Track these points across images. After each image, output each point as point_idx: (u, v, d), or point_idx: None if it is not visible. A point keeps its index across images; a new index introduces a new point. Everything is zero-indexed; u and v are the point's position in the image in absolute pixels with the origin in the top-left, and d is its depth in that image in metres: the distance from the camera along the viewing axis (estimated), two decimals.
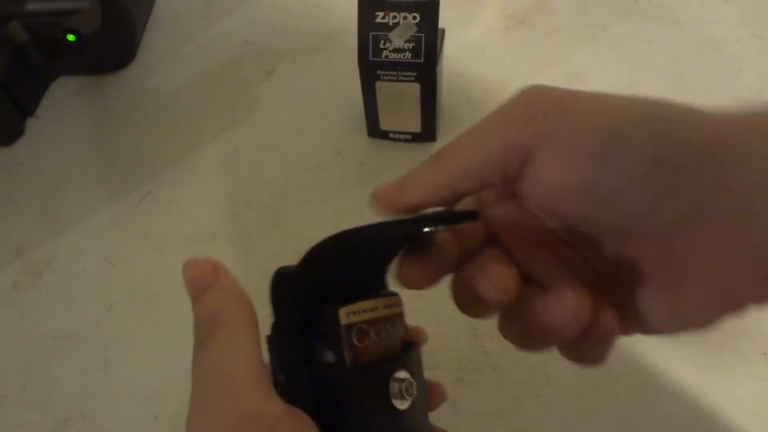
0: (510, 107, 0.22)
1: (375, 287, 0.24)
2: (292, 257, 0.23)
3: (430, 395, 0.24)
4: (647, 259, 0.21)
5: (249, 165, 0.51)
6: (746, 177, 0.18)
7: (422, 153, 0.50)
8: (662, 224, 0.19)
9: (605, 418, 0.37)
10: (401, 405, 0.22)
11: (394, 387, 0.22)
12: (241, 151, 0.52)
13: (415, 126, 0.49)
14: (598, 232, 0.23)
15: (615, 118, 0.22)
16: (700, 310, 0.20)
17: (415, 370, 0.23)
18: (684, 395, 0.38)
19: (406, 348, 0.23)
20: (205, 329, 0.20)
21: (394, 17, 0.43)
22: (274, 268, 0.22)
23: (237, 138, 0.53)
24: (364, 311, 0.22)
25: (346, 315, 0.22)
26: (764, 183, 0.18)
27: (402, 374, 0.22)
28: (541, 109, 0.21)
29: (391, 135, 0.50)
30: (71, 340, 0.44)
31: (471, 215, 0.22)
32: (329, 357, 0.21)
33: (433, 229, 0.22)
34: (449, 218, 0.22)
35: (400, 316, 0.24)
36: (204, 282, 0.21)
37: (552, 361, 0.39)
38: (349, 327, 0.22)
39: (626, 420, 0.37)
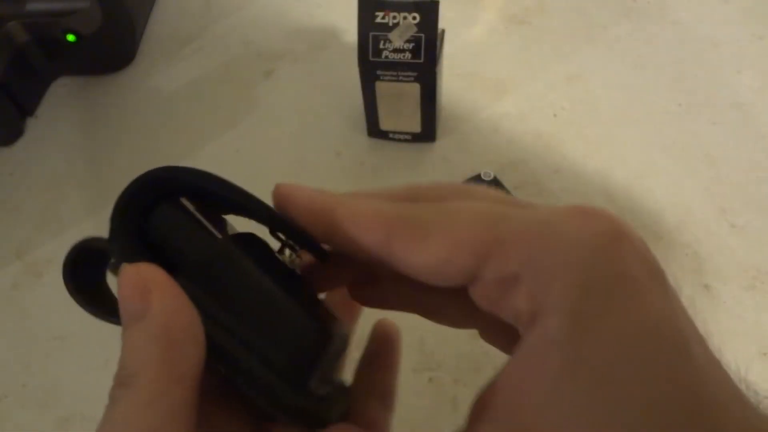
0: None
1: None
2: None
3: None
4: None
5: (249, 165, 0.51)
6: None
7: (422, 153, 0.50)
8: None
9: None
10: (295, 266, 0.20)
11: (285, 256, 0.20)
12: (241, 151, 0.52)
13: (415, 126, 0.49)
14: None
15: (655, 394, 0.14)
16: None
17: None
18: None
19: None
20: (116, 387, 0.16)
21: (394, 17, 0.43)
22: None
23: (237, 138, 0.53)
24: (193, 204, 0.20)
25: (188, 202, 0.19)
26: None
27: (284, 248, 0.20)
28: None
29: (391, 135, 0.50)
30: (71, 340, 0.44)
31: (324, 255, 0.20)
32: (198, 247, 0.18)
33: (283, 240, 0.20)
34: (304, 243, 0.19)
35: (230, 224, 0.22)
36: (130, 311, 0.16)
37: None
38: (199, 211, 0.20)
39: None
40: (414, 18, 0.43)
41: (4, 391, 0.42)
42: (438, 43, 0.44)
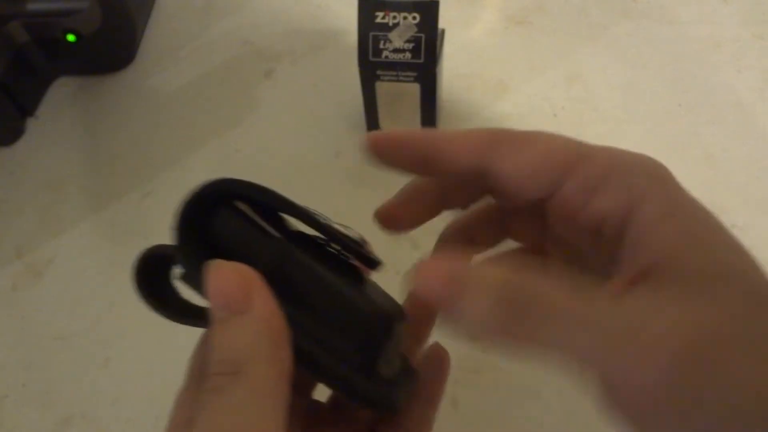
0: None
1: None
2: None
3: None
4: None
5: (249, 165, 0.51)
6: None
7: None
8: None
9: (605, 418, 0.37)
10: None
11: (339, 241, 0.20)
12: (241, 151, 0.52)
13: (415, 126, 0.49)
14: None
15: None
16: None
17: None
18: None
19: None
20: (221, 376, 0.16)
21: (394, 17, 0.43)
22: None
23: (237, 138, 0.53)
24: (254, 217, 0.21)
25: (241, 205, 0.20)
26: None
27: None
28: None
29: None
30: (71, 340, 0.44)
31: (371, 262, 0.21)
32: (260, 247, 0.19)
33: (337, 250, 0.20)
34: (356, 253, 0.20)
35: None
36: (232, 306, 0.17)
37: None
38: (255, 213, 0.20)
39: None
40: (414, 18, 0.43)
41: (4, 391, 0.42)
42: (438, 43, 0.44)
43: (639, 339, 0.15)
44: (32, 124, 0.56)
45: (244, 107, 0.55)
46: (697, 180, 0.47)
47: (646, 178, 0.19)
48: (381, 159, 0.21)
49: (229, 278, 0.17)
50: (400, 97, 0.46)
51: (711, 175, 0.47)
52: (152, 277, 0.22)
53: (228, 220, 0.20)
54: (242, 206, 0.20)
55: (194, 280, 0.19)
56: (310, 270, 0.19)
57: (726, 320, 0.15)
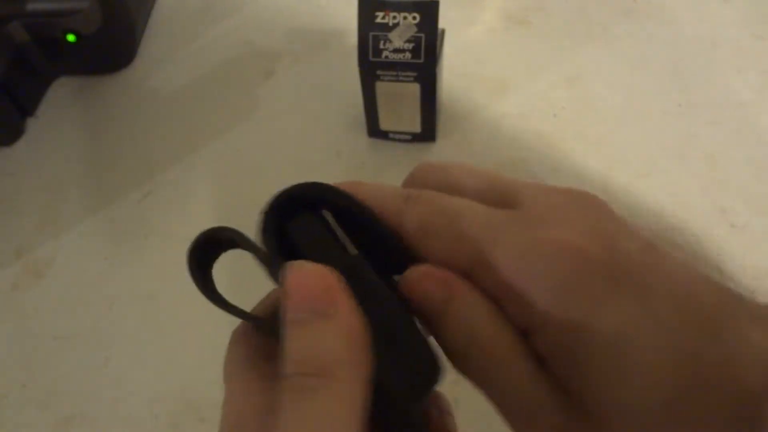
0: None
1: None
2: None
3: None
4: None
5: (249, 165, 0.51)
6: None
7: (422, 153, 0.50)
8: None
9: None
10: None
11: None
12: (241, 151, 0.52)
13: (415, 126, 0.49)
14: None
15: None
16: None
17: None
18: None
19: None
20: (302, 377, 0.16)
21: (394, 17, 0.43)
22: None
23: (237, 138, 0.53)
24: (335, 229, 0.21)
25: (329, 215, 0.20)
26: None
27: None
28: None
29: (391, 135, 0.50)
30: (71, 340, 0.44)
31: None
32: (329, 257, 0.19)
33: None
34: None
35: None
36: (316, 307, 0.16)
37: None
38: (337, 225, 0.20)
39: None
40: (414, 18, 0.43)
41: (4, 391, 0.42)
42: (438, 43, 0.44)
43: None
44: (32, 124, 0.56)
45: (244, 107, 0.55)
46: (697, 180, 0.48)
47: (552, 283, 0.17)
48: None
49: (313, 279, 0.17)
50: (400, 97, 0.46)
51: (711, 175, 0.47)
52: (204, 258, 0.21)
53: (310, 224, 0.20)
54: (327, 215, 0.20)
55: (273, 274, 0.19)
56: (374, 290, 0.18)
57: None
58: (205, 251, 0.21)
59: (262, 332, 0.20)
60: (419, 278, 0.19)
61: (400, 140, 0.51)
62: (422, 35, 0.43)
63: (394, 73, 0.45)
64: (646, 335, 0.16)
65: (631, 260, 0.17)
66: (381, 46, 0.44)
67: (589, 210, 0.19)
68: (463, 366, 0.19)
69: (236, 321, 0.21)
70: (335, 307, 0.16)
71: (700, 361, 0.15)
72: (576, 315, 0.16)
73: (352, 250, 0.19)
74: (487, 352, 0.18)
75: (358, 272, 0.18)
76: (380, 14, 0.43)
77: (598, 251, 0.17)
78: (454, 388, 0.40)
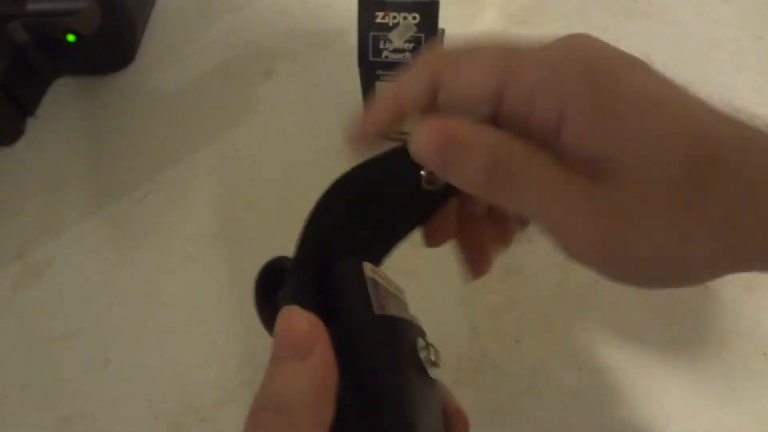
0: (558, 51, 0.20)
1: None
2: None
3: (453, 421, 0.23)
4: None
5: (249, 165, 0.51)
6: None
7: None
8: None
9: (605, 418, 0.37)
10: (431, 371, 0.20)
11: (422, 351, 0.20)
12: (241, 151, 0.52)
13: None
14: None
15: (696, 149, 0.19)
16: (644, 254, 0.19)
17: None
18: (684, 395, 0.38)
19: None
20: (266, 412, 0.17)
21: (394, 17, 0.43)
22: None
23: (237, 138, 0.53)
24: (381, 277, 0.21)
25: (369, 269, 0.20)
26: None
27: (424, 342, 0.20)
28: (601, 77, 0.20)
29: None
30: (71, 340, 0.44)
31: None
32: (351, 312, 0.20)
33: (429, 172, 0.21)
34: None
35: (407, 306, 0.23)
36: (295, 347, 0.18)
37: (552, 361, 0.39)
38: (373, 281, 0.20)
39: (626, 420, 0.37)
40: (414, 18, 0.43)
41: (4, 391, 0.42)
42: (438, 43, 0.44)
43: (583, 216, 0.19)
44: (32, 124, 0.56)
45: (244, 107, 0.55)
46: None
47: (575, 75, 0.19)
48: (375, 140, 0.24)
49: (298, 323, 0.18)
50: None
51: None
52: (268, 288, 0.22)
53: (342, 270, 0.20)
54: (367, 267, 0.21)
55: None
56: (379, 355, 0.19)
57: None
58: (268, 281, 0.22)
59: None
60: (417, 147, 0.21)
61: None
62: (422, 35, 0.43)
63: (394, 73, 0.45)
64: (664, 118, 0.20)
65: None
66: (381, 46, 0.44)
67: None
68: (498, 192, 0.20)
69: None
70: (311, 351, 0.18)
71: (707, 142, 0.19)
72: (606, 101, 0.19)
73: (378, 309, 0.20)
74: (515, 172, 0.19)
75: (367, 334, 0.19)
76: (380, 14, 0.43)
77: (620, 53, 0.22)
78: (455, 388, 0.40)
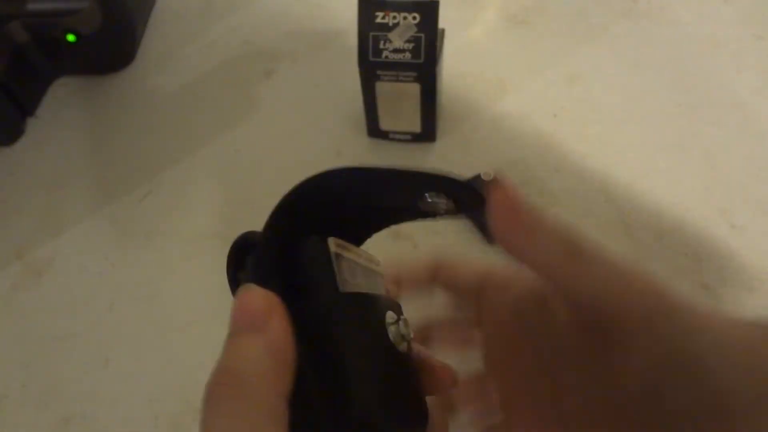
0: None
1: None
2: None
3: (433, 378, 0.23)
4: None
5: (249, 165, 0.51)
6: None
7: (422, 153, 0.50)
8: None
9: None
10: (400, 346, 0.20)
11: (392, 326, 0.20)
12: (241, 151, 0.52)
13: (415, 126, 0.49)
14: None
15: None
16: None
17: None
18: None
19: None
20: (220, 386, 0.17)
21: (394, 17, 0.43)
22: None
23: (237, 138, 0.53)
24: (350, 251, 0.21)
25: (335, 244, 0.20)
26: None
27: (397, 317, 0.20)
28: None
29: (391, 135, 0.50)
30: (71, 340, 0.44)
31: (479, 199, 0.20)
32: (314, 290, 0.20)
33: (434, 194, 0.21)
34: (457, 191, 0.20)
35: (381, 277, 0.23)
36: (250, 321, 0.18)
37: None
38: (338, 257, 0.20)
39: None
40: (414, 18, 0.43)
41: (4, 391, 0.42)
42: (438, 43, 0.44)
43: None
44: (32, 124, 0.56)
45: (244, 107, 0.55)
46: (697, 180, 0.48)
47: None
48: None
49: (255, 299, 0.18)
50: (400, 97, 0.46)
51: (711, 175, 0.47)
52: (238, 261, 0.22)
53: (307, 248, 0.20)
54: (332, 243, 0.20)
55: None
56: (342, 334, 0.19)
57: None
58: (239, 255, 0.22)
59: None
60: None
61: (400, 140, 0.51)
62: (422, 35, 0.43)
63: (394, 73, 0.45)
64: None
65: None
66: (381, 46, 0.44)
67: None
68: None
69: None
70: (266, 325, 0.18)
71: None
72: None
73: (342, 286, 0.20)
74: None
75: (330, 313, 0.19)
76: (380, 14, 0.43)
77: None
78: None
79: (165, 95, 0.57)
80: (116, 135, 0.55)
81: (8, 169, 0.53)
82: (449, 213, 0.21)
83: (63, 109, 0.57)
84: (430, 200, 0.21)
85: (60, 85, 0.59)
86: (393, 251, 0.41)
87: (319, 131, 0.53)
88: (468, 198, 0.20)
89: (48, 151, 0.54)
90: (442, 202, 0.21)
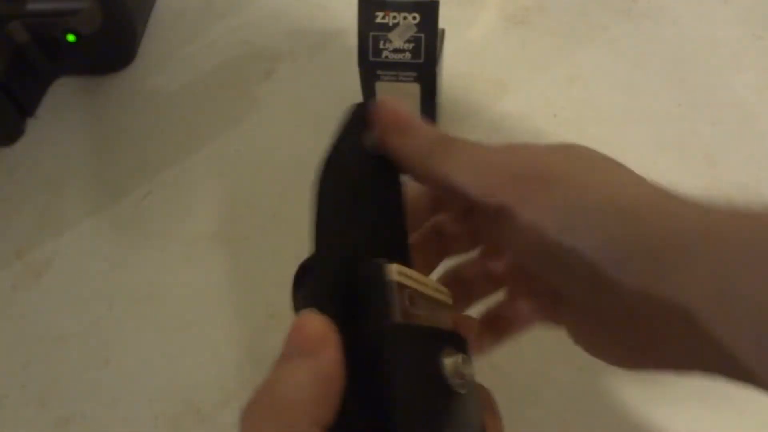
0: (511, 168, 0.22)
1: None
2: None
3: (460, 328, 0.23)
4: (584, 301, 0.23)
5: (249, 165, 0.51)
6: (680, 282, 0.19)
7: None
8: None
9: (605, 418, 0.37)
10: (457, 386, 0.19)
11: (448, 362, 0.19)
12: (241, 151, 0.52)
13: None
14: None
15: (577, 202, 0.21)
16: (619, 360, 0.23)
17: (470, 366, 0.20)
18: (684, 395, 0.38)
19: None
20: (258, 405, 0.18)
21: (394, 17, 0.43)
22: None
23: (237, 138, 0.53)
24: (414, 279, 0.20)
25: (397, 272, 0.19)
26: (694, 292, 0.19)
27: (456, 353, 0.19)
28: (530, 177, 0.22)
29: None
30: (71, 340, 0.44)
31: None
32: (366, 318, 0.19)
33: (367, 133, 0.24)
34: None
35: (450, 308, 0.22)
36: (302, 347, 0.18)
37: (552, 361, 0.39)
38: (399, 285, 0.19)
39: (626, 420, 0.37)
40: (414, 18, 0.43)
41: (4, 391, 0.42)
42: (438, 43, 0.44)
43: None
44: (32, 124, 0.56)
45: (244, 107, 0.55)
46: (697, 180, 0.47)
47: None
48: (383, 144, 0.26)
49: (311, 324, 0.18)
50: (400, 97, 0.46)
51: (711, 175, 0.47)
52: (298, 282, 0.22)
53: (365, 272, 0.20)
54: (392, 270, 0.20)
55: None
56: (388, 365, 0.18)
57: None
58: (300, 281, 0.22)
59: None
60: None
61: None
62: (422, 35, 0.43)
63: (394, 73, 0.45)
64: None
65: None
66: (381, 46, 0.44)
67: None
68: None
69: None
70: (317, 352, 0.18)
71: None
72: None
73: (398, 316, 0.19)
74: None
75: (379, 343, 0.18)
76: (380, 14, 0.43)
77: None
78: None
79: (165, 95, 0.57)
80: (116, 135, 0.55)
81: (8, 169, 0.53)
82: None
83: (63, 109, 0.57)
84: (367, 143, 0.23)
85: (60, 85, 0.59)
86: None
87: (319, 131, 0.52)
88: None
89: (48, 151, 0.54)
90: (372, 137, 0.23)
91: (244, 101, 0.56)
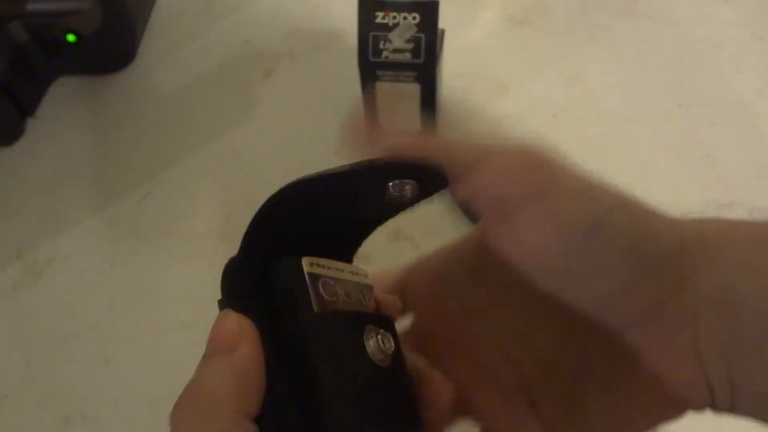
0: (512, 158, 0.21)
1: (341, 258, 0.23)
2: None
3: (426, 389, 0.22)
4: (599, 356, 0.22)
5: (249, 165, 0.51)
6: (702, 282, 0.19)
7: None
8: (623, 316, 0.20)
9: None
10: (381, 362, 0.20)
11: (371, 341, 0.20)
12: (241, 151, 0.52)
13: (415, 126, 0.49)
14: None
15: (601, 203, 0.21)
16: (642, 416, 0.22)
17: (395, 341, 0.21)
18: None
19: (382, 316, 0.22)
20: (185, 402, 0.19)
21: (394, 17, 0.43)
22: None
23: (237, 138, 0.53)
24: (329, 268, 0.21)
25: (309, 264, 0.20)
26: (716, 291, 0.19)
27: (377, 331, 0.20)
28: (537, 170, 0.21)
29: None
30: (71, 340, 0.44)
31: (442, 179, 0.20)
32: (288, 312, 0.20)
33: (398, 182, 0.21)
34: (417, 173, 0.20)
35: (369, 288, 0.22)
36: (219, 345, 0.19)
37: None
38: (314, 276, 0.20)
39: None
40: (414, 18, 0.43)
41: (4, 391, 0.42)
42: (438, 43, 0.44)
43: None
44: (32, 124, 0.56)
45: (244, 107, 0.55)
46: (697, 180, 0.47)
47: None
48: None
49: (229, 325, 0.19)
50: (400, 97, 0.46)
51: (711, 175, 0.47)
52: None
53: (281, 270, 0.20)
54: (306, 263, 0.20)
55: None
56: (316, 354, 0.19)
57: None
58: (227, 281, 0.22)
59: None
60: None
61: None
62: (422, 35, 0.43)
63: (394, 73, 0.45)
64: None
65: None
66: (381, 46, 0.44)
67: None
68: None
69: None
70: (234, 349, 0.19)
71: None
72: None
73: (317, 306, 0.20)
74: None
75: (303, 335, 0.19)
76: (380, 14, 0.43)
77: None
78: None
79: (165, 95, 0.57)
80: (116, 135, 0.55)
81: (8, 169, 0.53)
82: (417, 197, 0.21)
83: (63, 109, 0.57)
84: (394, 192, 0.21)
85: (60, 85, 0.59)
86: (393, 252, 0.41)
87: (319, 131, 0.53)
88: (431, 177, 0.20)
89: (48, 151, 0.54)
90: (407, 188, 0.21)
91: (244, 101, 0.56)
